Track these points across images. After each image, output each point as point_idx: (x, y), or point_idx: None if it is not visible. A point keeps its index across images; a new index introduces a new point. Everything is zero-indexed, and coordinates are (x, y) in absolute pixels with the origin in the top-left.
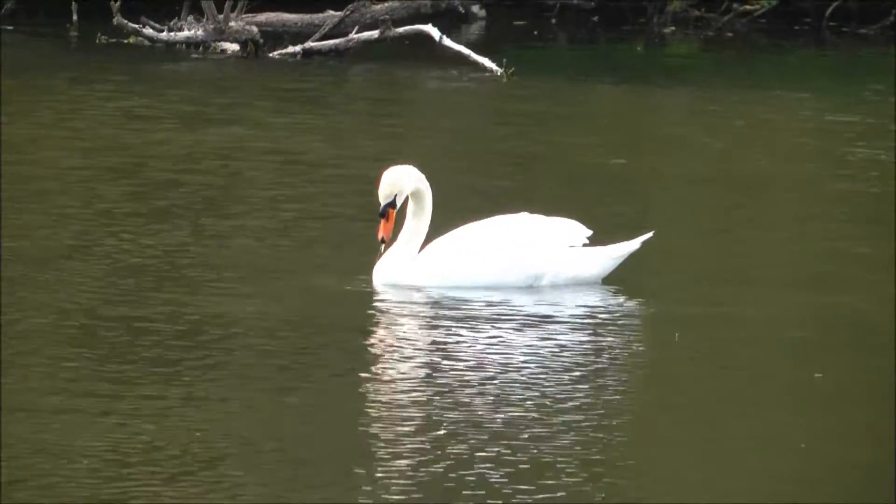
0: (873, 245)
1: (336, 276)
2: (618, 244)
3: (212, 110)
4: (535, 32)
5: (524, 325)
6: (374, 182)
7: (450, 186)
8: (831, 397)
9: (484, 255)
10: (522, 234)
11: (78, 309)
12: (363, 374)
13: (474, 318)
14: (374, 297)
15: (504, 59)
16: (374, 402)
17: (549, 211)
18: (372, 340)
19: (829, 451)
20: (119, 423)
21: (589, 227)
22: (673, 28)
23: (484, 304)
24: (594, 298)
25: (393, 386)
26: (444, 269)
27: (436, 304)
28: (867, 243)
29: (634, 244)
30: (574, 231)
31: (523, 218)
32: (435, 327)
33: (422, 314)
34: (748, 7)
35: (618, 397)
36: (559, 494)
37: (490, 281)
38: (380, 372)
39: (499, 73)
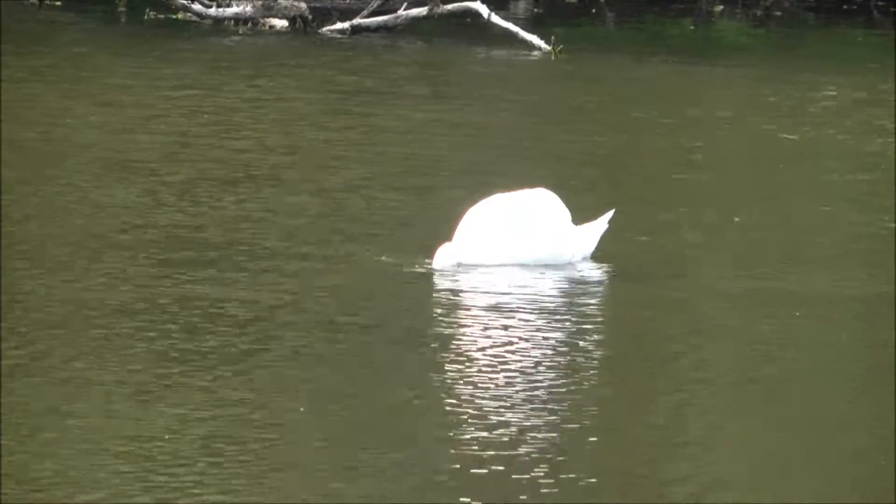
0: None
1: (401, 255)
2: (593, 222)
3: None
4: (594, 10)
5: (585, 305)
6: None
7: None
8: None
9: (537, 235)
10: (554, 212)
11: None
12: (415, 357)
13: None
14: (431, 279)
15: (553, 37)
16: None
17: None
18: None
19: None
20: (189, 403)
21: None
22: (722, 7)
23: (528, 286)
24: (626, 277)
25: (455, 360)
26: (494, 249)
27: (494, 286)
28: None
29: (603, 222)
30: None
31: (528, 195)
32: (492, 310)
33: (475, 297)
34: None
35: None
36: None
37: (544, 258)
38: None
39: (546, 51)
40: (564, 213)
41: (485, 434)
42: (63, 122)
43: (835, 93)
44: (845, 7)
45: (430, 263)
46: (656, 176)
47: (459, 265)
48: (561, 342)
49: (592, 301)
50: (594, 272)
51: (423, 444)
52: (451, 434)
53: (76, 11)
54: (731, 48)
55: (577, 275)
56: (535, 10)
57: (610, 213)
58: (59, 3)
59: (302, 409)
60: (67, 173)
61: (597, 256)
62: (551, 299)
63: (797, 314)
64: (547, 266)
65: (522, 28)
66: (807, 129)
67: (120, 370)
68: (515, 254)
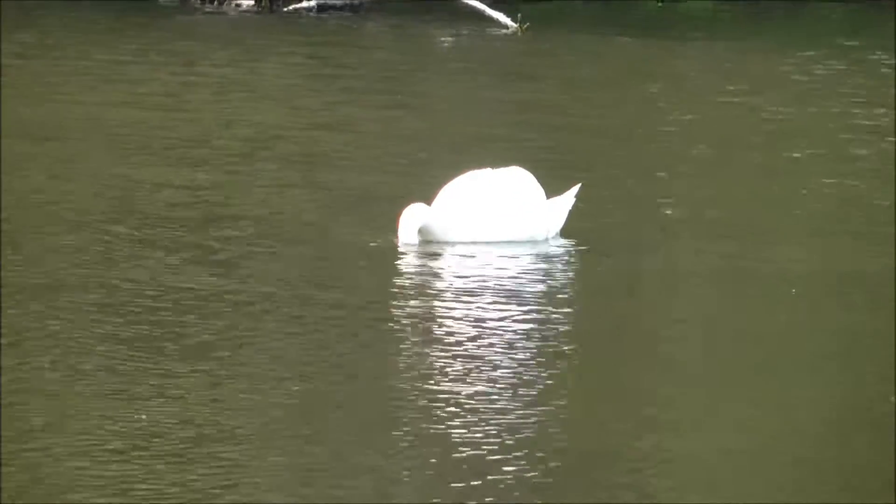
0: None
1: (367, 231)
2: (560, 196)
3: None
4: None
5: (558, 284)
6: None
7: (467, 138)
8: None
9: (509, 211)
10: (529, 189)
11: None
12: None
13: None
14: (395, 256)
15: (518, 14)
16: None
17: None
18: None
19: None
20: (165, 394)
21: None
22: None
23: (499, 264)
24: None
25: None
26: (471, 225)
27: (457, 261)
28: (882, 198)
29: (570, 197)
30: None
31: (497, 173)
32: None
33: (442, 274)
34: None
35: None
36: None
37: (520, 236)
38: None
39: (513, 28)
40: (539, 191)
41: (455, 418)
42: (53, 98)
43: (812, 66)
44: None
45: (398, 230)
46: (629, 149)
47: (424, 231)
48: (531, 319)
49: (563, 278)
50: (565, 248)
51: (392, 428)
52: (425, 416)
53: None
54: (699, 24)
55: (547, 250)
56: None
57: (576, 188)
58: None
59: (296, 388)
60: (57, 149)
61: (568, 232)
62: (521, 276)
63: (793, 291)
64: (518, 243)
65: (488, 5)
66: (787, 103)
67: (95, 352)
68: (490, 232)
